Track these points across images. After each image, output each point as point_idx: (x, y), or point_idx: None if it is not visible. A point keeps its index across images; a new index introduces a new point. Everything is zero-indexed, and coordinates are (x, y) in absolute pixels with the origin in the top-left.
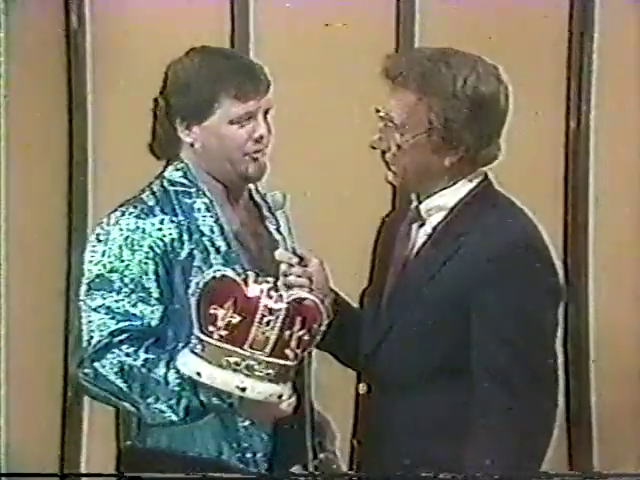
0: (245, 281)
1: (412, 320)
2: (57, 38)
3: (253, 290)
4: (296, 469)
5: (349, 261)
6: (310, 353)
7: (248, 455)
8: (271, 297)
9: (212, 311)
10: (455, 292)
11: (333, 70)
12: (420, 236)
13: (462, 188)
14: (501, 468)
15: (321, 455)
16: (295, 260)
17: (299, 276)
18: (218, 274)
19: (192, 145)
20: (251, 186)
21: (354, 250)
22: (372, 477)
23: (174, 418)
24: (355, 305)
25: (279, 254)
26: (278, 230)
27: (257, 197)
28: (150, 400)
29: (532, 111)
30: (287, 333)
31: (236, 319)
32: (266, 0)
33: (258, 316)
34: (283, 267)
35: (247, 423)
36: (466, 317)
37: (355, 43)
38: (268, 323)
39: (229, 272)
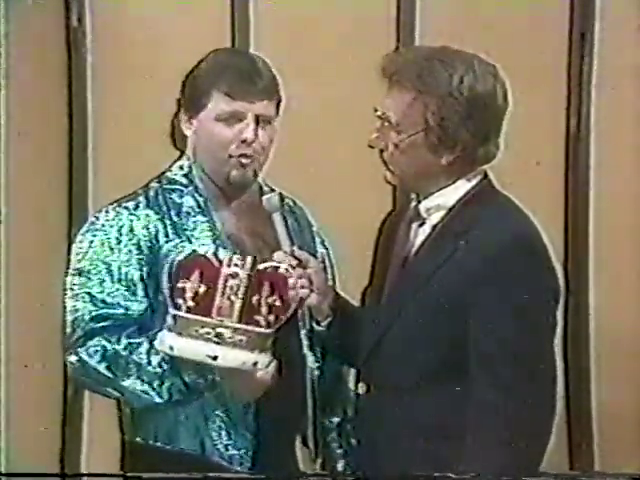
0: (214, 255)
1: (411, 320)
2: (57, 37)
3: (220, 263)
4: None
5: (350, 260)
6: (303, 346)
7: (231, 452)
8: (235, 263)
9: (181, 284)
10: (454, 292)
11: (333, 70)
12: (419, 235)
13: (461, 187)
14: (500, 468)
15: None
16: (294, 262)
17: (299, 278)
18: (188, 251)
19: (191, 138)
20: (263, 186)
21: (355, 249)
22: (371, 477)
23: (158, 400)
24: (356, 304)
25: (277, 256)
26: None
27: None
28: (133, 383)
29: (532, 111)
30: (254, 299)
31: (202, 289)
32: (266, 0)
33: (221, 283)
34: (282, 270)
35: (230, 420)
36: (464, 317)
37: (355, 43)
38: (232, 288)
39: (199, 249)
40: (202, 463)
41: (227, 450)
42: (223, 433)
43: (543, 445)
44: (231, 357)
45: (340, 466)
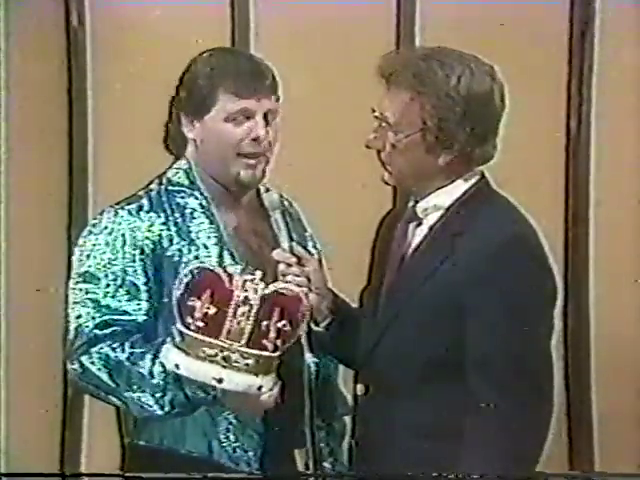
0: (226, 274)
1: (408, 320)
2: (57, 37)
3: (230, 282)
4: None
5: (348, 261)
6: (302, 347)
7: (239, 453)
8: (246, 288)
9: (190, 303)
10: (451, 292)
11: (333, 70)
12: (417, 236)
13: (458, 187)
14: (498, 468)
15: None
16: (293, 260)
17: (297, 276)
18: (198, 267)
19: (195, 141)
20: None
21: (353, 250)
22: (371, 477)
23: (159, 412)
24: (354, 305)
25: (277, 254)
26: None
27: (263, 196)
28: (135, 394)
29: (532, 111)
30: (264, 324)
31: (212, 310)
32: (266, 0)
33: (232, 306)
34: (281, 267)
35: (238, 421)
36: (462, 317)
37: (355, 43)
38: (243, 313)
39: (209, 265)
40: (209, 465)
41: (235, 452)
42: (231, 435)
43: (540, 445)
44: (237, 381)
45: (327, 464)
